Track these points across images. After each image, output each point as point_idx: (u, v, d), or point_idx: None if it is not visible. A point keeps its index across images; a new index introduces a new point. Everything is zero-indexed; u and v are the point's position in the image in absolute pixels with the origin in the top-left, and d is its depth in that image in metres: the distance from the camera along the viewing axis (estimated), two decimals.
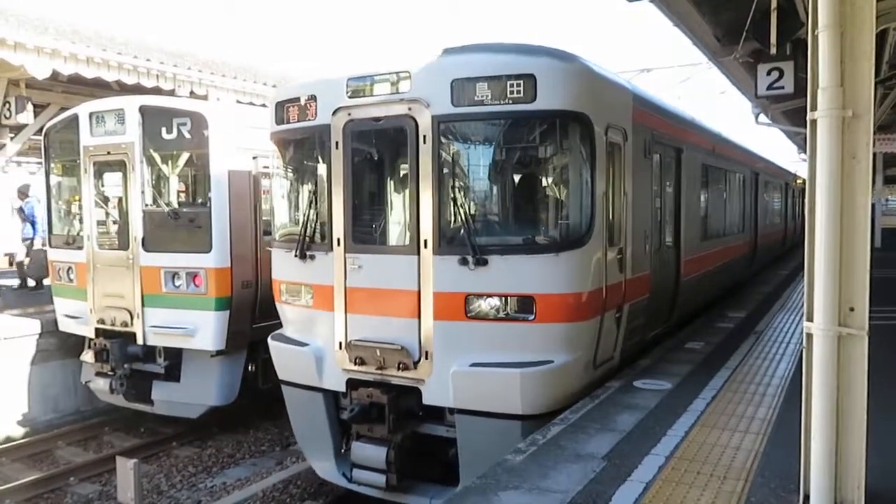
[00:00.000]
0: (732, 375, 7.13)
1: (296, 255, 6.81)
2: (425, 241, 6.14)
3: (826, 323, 3.84)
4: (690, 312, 10.54)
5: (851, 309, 3.87)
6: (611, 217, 6.64)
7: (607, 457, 4.86)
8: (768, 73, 9.25)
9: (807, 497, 4.00)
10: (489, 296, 6.00)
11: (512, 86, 5.82)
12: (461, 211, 6.05)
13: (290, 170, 7.68)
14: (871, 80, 3.85)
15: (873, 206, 28.56)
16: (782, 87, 9.30)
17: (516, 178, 6.70)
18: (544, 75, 5.84)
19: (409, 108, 6.17)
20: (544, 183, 6.55)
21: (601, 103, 6.50)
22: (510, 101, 5.84)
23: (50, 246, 11.15)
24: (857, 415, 3.89)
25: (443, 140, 6.14)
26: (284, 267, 7.23)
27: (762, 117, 16.93)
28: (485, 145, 6.64)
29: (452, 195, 6.09)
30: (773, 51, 8.49)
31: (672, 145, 9.20)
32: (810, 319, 3.95)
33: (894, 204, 47.66)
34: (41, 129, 11.72)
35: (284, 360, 7.25)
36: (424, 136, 6.09)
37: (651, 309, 8.06)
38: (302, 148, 7.34)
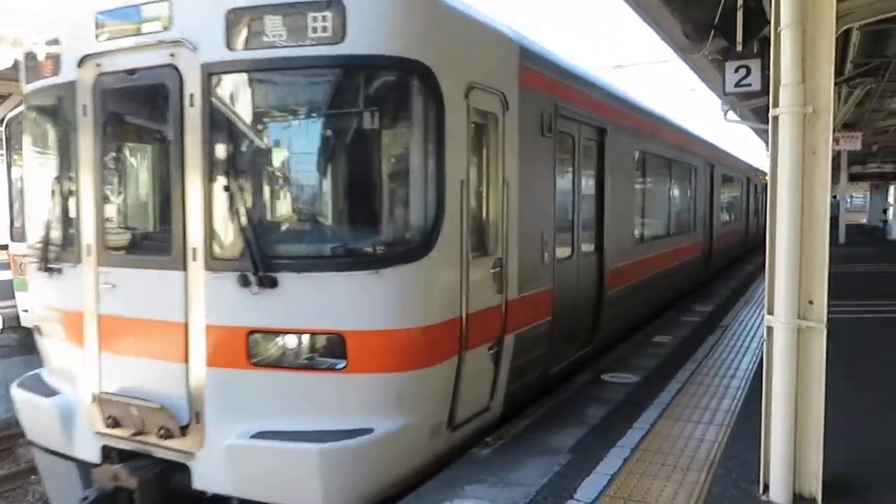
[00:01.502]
0: (698, 368, 7.23)
1: (39, 268, 5.00)
2: (194, 251, 4.29)
3: (786, 316, 3.91)
4: (623, 329, 8.82)
5: (811, 302, 3.95)
6: (481, 216, 5.08)
7: (573, 450, 4.89)
8: (736, 71, 9.37)
9: (766, 487, 4.07)
10: (281, 332, 4.19)
11: (315, 19, 4.06)
12: (241, 207, 4.17)
13: (38, 149, 5.59)
14: (832, 77, 3.92)
15: (838, 202, 29.21)
16: (749, 85, 9.44)
17: (324, 159, 4.53)
18: (359, 3, 4.08)
19: (172, 55, 4.30)
20: (364, 166, 4.42)
21: (456, 52, 4.73)
22: (312, 43, 4.07)
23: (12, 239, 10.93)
24: (815, 406, 3.97)
25: (216, 101, 4.28)
26: (34, 284, 5.30)
27: (731, 114, 17.22)
28: (279, 110, 4.62)
29: (230, 183, 4.21)
30: (740, 48, 8.60)
31: (591, 123, 7.27)
32: (771, 312, 4.02)
33: (859, 201, 48.76)
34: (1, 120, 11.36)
35: (28, 413, 5.23)
36: (191, 96, 4.25)
37: (556, 335, 6.32)
38: (50, 117, 5.27)
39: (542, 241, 6.01)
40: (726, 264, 17.99)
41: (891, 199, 31.52)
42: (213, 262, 4.27)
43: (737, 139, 54.53)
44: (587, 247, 7.39)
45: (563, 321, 6.49)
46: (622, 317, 8.59)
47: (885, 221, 32.36)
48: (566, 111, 6.53)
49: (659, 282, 10.51)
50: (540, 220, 5.98)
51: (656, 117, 10.61)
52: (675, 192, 12.19)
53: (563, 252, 6.62)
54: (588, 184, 7.50)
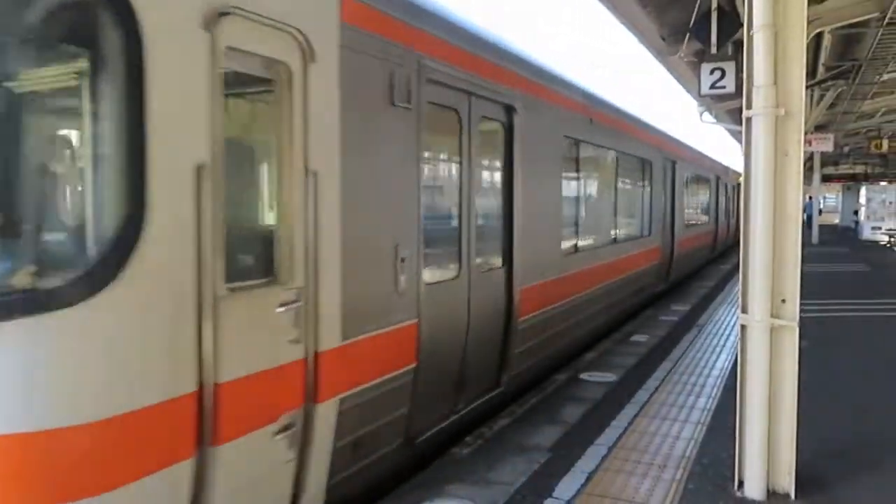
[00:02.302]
0: (675, 367, 7.31)
1: None
2: None
3: (759, 314, 3.98)
4: (550, 361, 7.07)
5: (783, 301, 4.02)
6: (257, 223, 3.65)
7: (552, 448, 4.93)
8: (711, 73, 9.49)
9: (741, 483, 4.14)
10: None
11: None
12: None
13: None
14: (803, 79, 4.00)
15: (811, 203, 29.53)
16: (724, 87, 9.56)
17: None
18: None
19: None
20: None
21: None
22: None
23: None
24: (788, 403, 4.04)
25: None
26: None
27: (707, 115, 17.46)
28: None
29: None
30: (714, 50, 8.72)
31: (488, 97, 5.49)
32: (745, 311, 4.09)
33: (832, 202, 49.62)
34: None
35: None
36: None
37: (427, 386, 4.66)
38: None
39: (396, 259, 4.27)
40: (692, 270, 16.40)
41: (862, 200, 32.08)
42: None
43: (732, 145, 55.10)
44: (487, 262, 5.72)
45: (439, 366, 4.87)
46: (545, 347, 6.78)
47: (857, 222, 32.96)
48: (441, 74, 4.75)
49: (601, 299, 8.68)
50: (391, 229, 4.27)
51: (595, 99, 8.41)
52: (623, 192, 10.24)
53: (439, 272, 4.99)
54: (487, 178, 5.86)
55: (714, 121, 19.12)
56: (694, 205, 16.96)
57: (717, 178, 20.21)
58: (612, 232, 9.68)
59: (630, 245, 10.35)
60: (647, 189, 11.55)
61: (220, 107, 2.96)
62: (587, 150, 8.35)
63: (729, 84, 9.38)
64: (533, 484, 4.32)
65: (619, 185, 9.98)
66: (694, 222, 16.77)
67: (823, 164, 31.37)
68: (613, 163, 9.58)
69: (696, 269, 17.17)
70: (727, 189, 22.13)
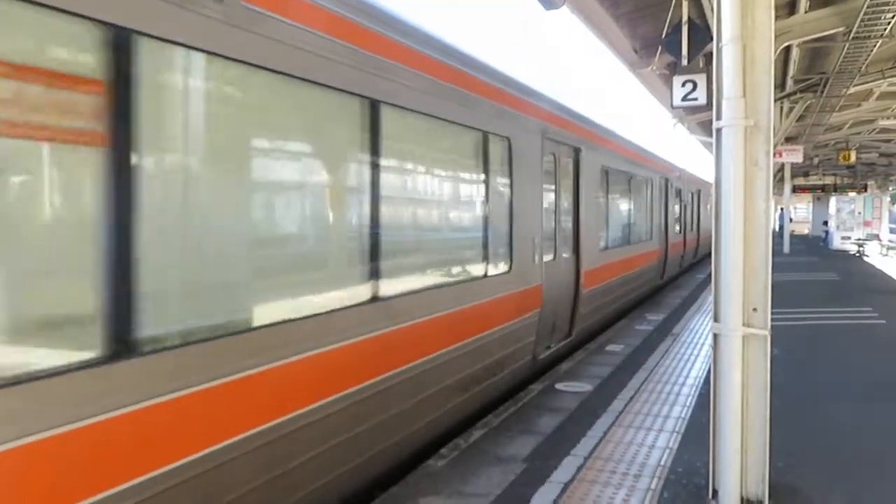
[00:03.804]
0: (650, 376, 7.35)
1: None
2: None
3: (731, 323, 4.01)
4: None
5: (755, 309, 4.06)
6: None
7: (528, 459, 4.91)
8: (683, 85, 9.61)
9: (715, 492, 4.15)
10: None
11: None
12: None
13: None
14: (771, 91, 4.06)
15: (782, 212, 29.96)
16: (696, 99, 9.69)
17: None
18: None
19: None
20: None
21: None
22: None
23: None
24: (761, 411, 4.07)
25: None
26: None
27: (679, 127, 17.70)
28: None
29: None
30: (685, 62, 8.84)
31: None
32: (717, 320, 4.12)
33: (803, 212, 50.51)
34: None
35: None
36: None
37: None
38: None
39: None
40: (624, 307, 11.95)
41: (832, 211, 32.70)
42: None
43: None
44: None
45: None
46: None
47: (827, 232, 33.58)
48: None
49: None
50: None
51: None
52: (508, 195, 6.66)
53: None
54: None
55: (687, 132, 19.39)
56: (629, 215, 12.56)
57: (666, 182, 15.85)
58: (460, 255, 6.18)
59: (497, 285, 6.35)
60: (546, 193, 7.78)
61: None
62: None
63: (700, 96, 9.51)
64: (509, 495, 4.29)
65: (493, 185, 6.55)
66: (629, 239, 12.29)
67: (794, 175, 31.98)
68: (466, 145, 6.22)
69: (635, 305, 12.96)
70: (681, 196, 18.18)
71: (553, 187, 8.00)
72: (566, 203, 8.53)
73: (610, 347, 8.90)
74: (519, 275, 6.70)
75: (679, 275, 18.88)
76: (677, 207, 18.00)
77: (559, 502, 4.19)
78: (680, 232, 18.32)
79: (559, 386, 6.93)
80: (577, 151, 8.82)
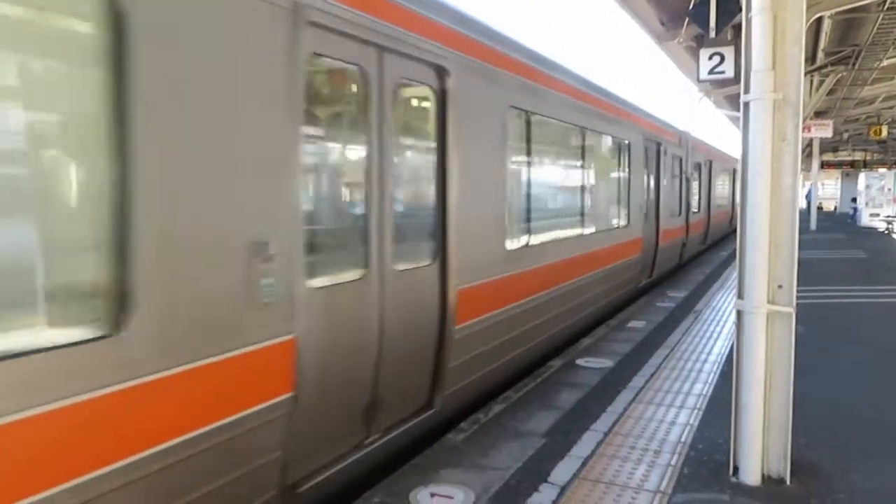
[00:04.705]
0: (671, 353, 7.32)
1: None
2: None
3: (756, 300, 3.97)
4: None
5: (780, 286, 4.01)
6: None
7: (547, 434, 4.93)
8: (710, 58, 9.44)
9: (736, 469, 4.15)
10: None
11: None
12: None
13: None
14: (801, 65, 3.96)
15: (810, 189, 29.46)
16: (723, 72, 9.52)
17: None
18: None
19: None
20: None
21: None
22: None
23: None
24: (784, 389, 4.04)
25: None
26: None
27: (706, 101, 17.39)
28: None
29: None
30: (713, 35, 8.67)
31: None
32: (741, 297, 4.07)
33: (831, 188, 49.59)
34: None
35: None
36: None
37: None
38: None
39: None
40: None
41: (861, 187, 32.04)
42: None
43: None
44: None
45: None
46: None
47: (855, 209, 32.95)
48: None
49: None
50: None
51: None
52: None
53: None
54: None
55: (714, 106, 19.04)
56: (589, 194, 8.89)
57: (658, 147, 12.28)
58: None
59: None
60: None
61: None
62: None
63: (728, 69, 9.34)
64: (528, 469, 4.32)
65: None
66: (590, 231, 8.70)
67: (822, 151, 31.34)
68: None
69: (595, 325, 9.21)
70: (682, 166, 14.56)
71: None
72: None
73: (632, 324, 8.87)
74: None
75: (677, 268, 14.89)
76: (677, 182, 14.02)
77: (579, 476, 4.21)
78: (680, 214, 14.41)
79: (579, 362, 6.93)
80: (441, 72, 4.82)
